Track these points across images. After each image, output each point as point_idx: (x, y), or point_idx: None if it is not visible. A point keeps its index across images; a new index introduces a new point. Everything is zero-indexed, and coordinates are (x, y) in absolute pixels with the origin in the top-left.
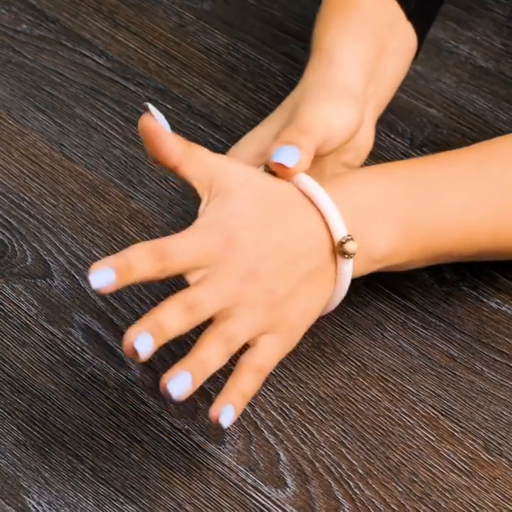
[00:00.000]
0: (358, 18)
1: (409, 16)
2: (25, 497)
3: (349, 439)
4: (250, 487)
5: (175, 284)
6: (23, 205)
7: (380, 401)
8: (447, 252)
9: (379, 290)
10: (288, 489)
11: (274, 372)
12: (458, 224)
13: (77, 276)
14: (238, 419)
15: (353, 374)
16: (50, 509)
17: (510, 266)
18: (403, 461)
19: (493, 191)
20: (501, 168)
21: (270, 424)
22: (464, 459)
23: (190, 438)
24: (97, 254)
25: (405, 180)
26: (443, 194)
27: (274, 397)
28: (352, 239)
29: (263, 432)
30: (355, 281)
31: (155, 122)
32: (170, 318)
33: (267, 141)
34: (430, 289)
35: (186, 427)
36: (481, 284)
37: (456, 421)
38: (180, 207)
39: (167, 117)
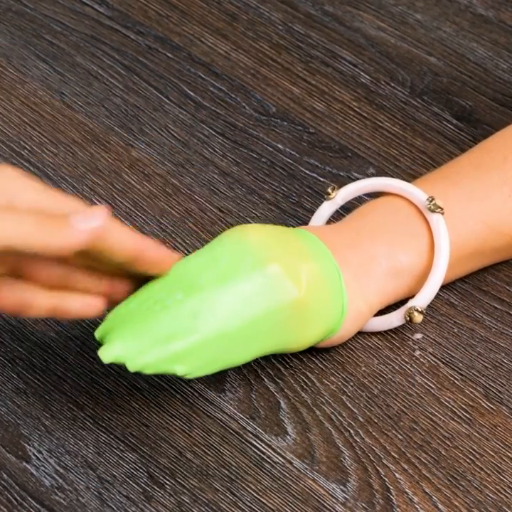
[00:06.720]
0: None
1: None
2: (26, 445)
3: (349, 387)
4: (251, 435)
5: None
6: (23, 153)
7: (380, 349)
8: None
9: None
10: (288, 437)
11: None
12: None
13: None
14: (239, 367)
15: None
16: (50, 457)
17: None
18: (403, 409)
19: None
20: (502, 157)
21: (270, 372)
22: (464, 406)
23: (191, 386)
24: (97, 203)
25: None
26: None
27: None
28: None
29: (263, 380)
30: None
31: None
32: None
33: None
34: None
35: None
36: None
37: (456, 369)
38: (180, 155)
39: (167, 66)
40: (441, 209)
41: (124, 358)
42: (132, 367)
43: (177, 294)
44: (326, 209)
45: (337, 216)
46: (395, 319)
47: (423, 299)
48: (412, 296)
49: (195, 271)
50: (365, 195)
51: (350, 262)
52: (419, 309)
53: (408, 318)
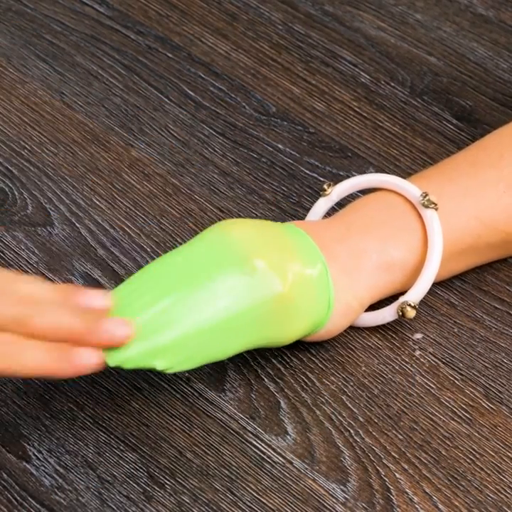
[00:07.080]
0: None
1: None
2: (26, 445)
3: (349, 387)
4: (251, 435)
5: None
6: (23, 153)
7: (380, 349)
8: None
9: None
10: (288, 437)
11: None
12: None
13: (77, 225)
14: (239, 366)
15: None
16: (50, 457)
17: None
18: (404, 408)
19: (497, 176)
20: (498, 154)
21: (271, 372)
22: (464, 406)
23: (191, 385)
24: (97, 203)
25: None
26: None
27: None
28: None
29: (263, 380)
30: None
31: None
32: None
33: None
34: None
35: (187, 374)
36: None
37: (456, 369)
38: (180, 155)
39: (167, 66)
40: (435, 204)
41: (104, 352)
42: (112, 361)
43: (157, 290)
44: (321, 205)
45: (333, 213)
46: (387, 314)
47: (416, 293)
48: (405, 292)
49: (173, 269)
50: (360, 191)
51: (338, 256)
52: (412, 304)
53: (400, 313)
